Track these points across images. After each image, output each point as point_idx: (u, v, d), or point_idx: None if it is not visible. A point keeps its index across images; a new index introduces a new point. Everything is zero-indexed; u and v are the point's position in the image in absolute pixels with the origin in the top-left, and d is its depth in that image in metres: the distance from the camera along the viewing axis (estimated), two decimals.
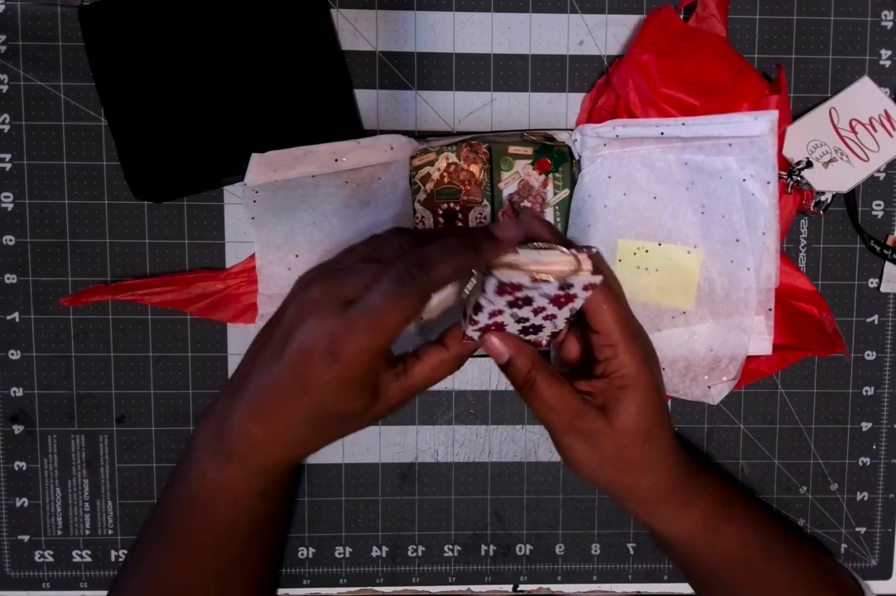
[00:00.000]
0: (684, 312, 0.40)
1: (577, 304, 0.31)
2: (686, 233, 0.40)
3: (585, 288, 0.29)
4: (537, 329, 0.33)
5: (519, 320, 0.31)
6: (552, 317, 0.31)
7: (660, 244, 0.40)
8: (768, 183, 0.37)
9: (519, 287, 0.28)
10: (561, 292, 0.29)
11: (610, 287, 0.33)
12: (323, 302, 0.30)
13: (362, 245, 0.34)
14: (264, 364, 0.32)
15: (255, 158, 0.38)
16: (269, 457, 0.33)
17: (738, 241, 0.38)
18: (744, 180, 0.38)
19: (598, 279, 0.29)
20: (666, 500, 0.37)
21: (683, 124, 0.38)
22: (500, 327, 0.32)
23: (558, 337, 0.35)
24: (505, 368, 0.34)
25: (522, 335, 0.33)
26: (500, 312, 0.30)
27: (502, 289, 0.28)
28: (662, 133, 0.38)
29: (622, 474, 0.36)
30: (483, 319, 0.31)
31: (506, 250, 0.29)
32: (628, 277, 0.40)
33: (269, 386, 0.31)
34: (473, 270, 0.30)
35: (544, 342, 0.34)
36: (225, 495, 0.34)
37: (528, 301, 0.29)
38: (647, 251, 0.40)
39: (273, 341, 0.32)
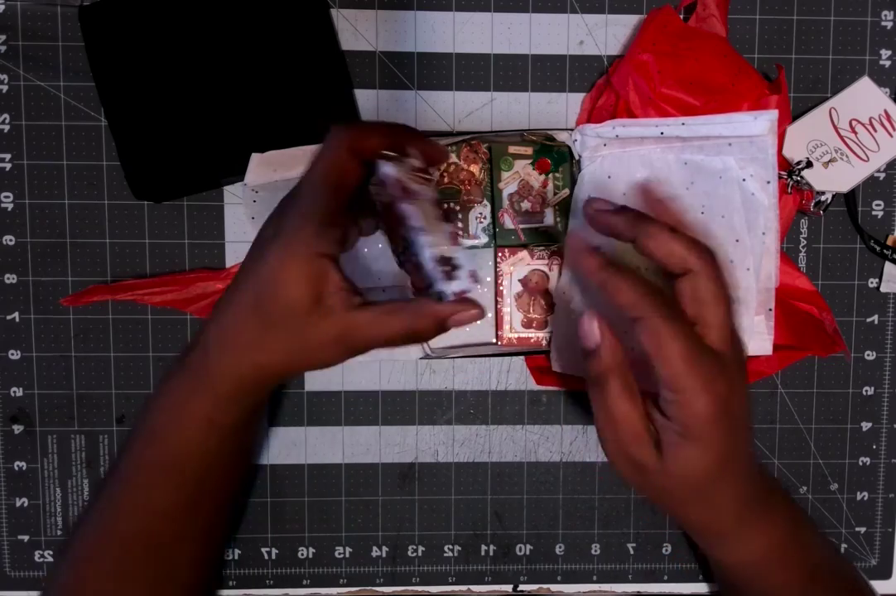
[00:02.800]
0: None
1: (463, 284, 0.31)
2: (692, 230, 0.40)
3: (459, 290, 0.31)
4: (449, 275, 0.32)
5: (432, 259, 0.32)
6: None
7: None
8: (768, 183, 0.37)
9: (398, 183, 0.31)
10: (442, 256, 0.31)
11: (673, 320, 0.30)
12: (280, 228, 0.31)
13: None
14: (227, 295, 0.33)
15: (255, 158, 0.38)
16: (220, 364, 0.32)
17: (737, 241, 0.38)
18: (744, 180, 0.38)
19: (464, 285, 0.31)
20: (721, 534, 0.35)
21: (683, 124, 0.38)
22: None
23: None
24: (586, 356, 0.33)
25: (442, 276, 0.32)
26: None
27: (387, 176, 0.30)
28: (662, 133, 0.38)
29: (670, 505, 0.35)
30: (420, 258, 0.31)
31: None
32: None
33: (227, 287, 0.33)
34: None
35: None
36: (176, 421, 0.33)
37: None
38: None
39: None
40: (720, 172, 0.38)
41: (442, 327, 0.31)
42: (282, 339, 0.31)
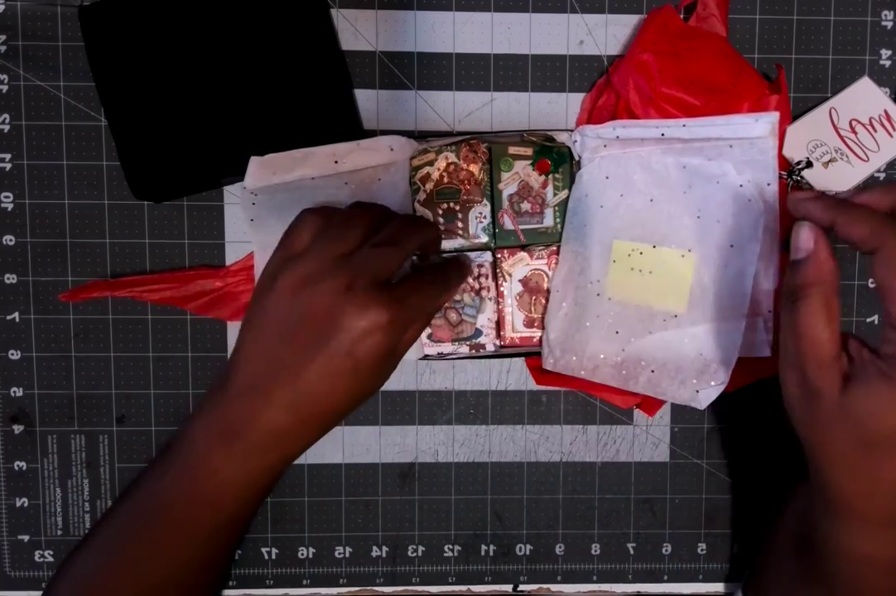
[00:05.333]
0: (676, 316, 0.40)
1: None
2: (681, 236, 0.40)
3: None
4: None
5: None
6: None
7: (654, 247, 0.40)
8: (768, 184, 0.37)
9: None
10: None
11: None
12: (360, 285, 0.31)
13: (330, 238, 0.33)
14: (296, 353, 0.31)
15: (255, 161, 0.38)
16: (292, 446, 0.33)
17: (732, 246, 0.38)
18: (741, 186, 0.38)
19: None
20: (865, 516, 0.31)
21: (684, 126, 0.38)
22: None
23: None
24: (792, 266, 0.31)
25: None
26: None
27: None
28: (663, 134, 0.38)
29: (824, 452, 0.31)
30: None
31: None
32: (621, 278, 0.40)
33: (309, 371, 0.31)
34: None
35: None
36: (237, 491, 0.33)
37: None
38: (641, 253, 0.40)
39: (297, 332, 0.31)
40: (717, 177, 0.38)
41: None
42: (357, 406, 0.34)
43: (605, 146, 0.40)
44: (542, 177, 0.41)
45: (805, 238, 0.31)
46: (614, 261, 0.41)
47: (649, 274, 0.40)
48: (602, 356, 0.41)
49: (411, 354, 0.42)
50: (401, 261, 0.33)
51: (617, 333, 0.40)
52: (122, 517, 0.35)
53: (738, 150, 0.38)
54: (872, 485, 0.31)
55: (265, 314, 0.32)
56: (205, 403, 0.34)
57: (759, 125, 0.37)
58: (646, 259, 0.40)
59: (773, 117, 0.37)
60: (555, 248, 0.42)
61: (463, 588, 0.44)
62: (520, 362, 0.43)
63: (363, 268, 0.31)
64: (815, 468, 0.33)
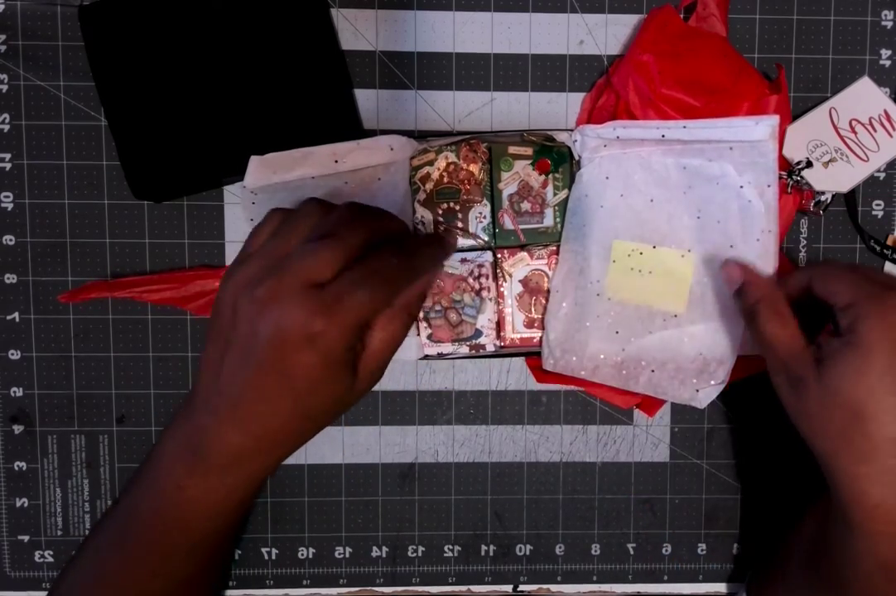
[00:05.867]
0: (675, 315, 0.40)
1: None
2: (681, 236, 0.40)
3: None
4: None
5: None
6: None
7: (654, 247, 0.40)
8: (769, 186, 0.37)
9: None
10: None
11: (838, 265, 0.35)
12: (286, 290, 0.28)
13: (276, 237, 0.31)
14: (234, 367, 0.29)
15: (255, 161, 0.38)
16: (255, 465, 0.32)
17: (731, 246, 0.38)
18: (741, 187, 0.38)
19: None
20: (888, 505, 0.31)
21: (685, 127, 0.38)
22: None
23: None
24: (736, 294, 0.36)
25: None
26: None
27: None
28: (664, 135, 0.38)
29: (825, 436, 0.32)
30: None
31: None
32: (621, 278, 0.40)
33: (246, 389, 0.29)
34: None
35: None
36: (205, 510, 0.33)
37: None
38: (641, 253, 0.40)
39: (235, 343, 0.29)
40: (717, 178, 0.38)
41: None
42: (325, 423, 0.32)
43: (605, 146, 0.40)
44: (542, 177, 0.41)
45: (732, 272, 0.37)
46: (614, 261, 0.41)
47: (649, 274, 0.40)
48: (602, 356, 0.41)
49: (411, 354, 0.42)
50: (340, 257, 0.28)
51: (617, 332, 0.40)
52: (105, 531, 0.35)
53: (738, 152, 0.38)
54: (874, 460, 0.31)
55: (212, 324, 0.31)
56: (175, 416, 0.33)
57: (759, 128, 0.37)
58: (645, 259, 0.40)
59: (773, 120, 0.37)
60: (555, 247, 0.42)
61: (463, 588, 0.44)
62: (520, 362, 0.43)
63: (292, 269, 0.28)
64: (824, 467, 0.33)
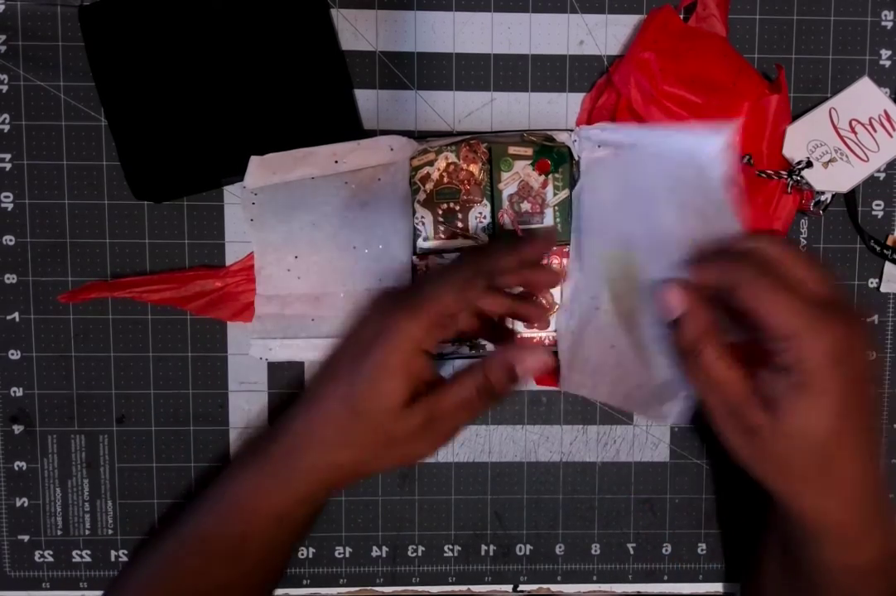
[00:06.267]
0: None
1: None
2: (673, 237, 0.39)
3: None
4: None
5: None
6: None
7: (637, 254, 0.39)
8: (723, 199, 0.36)
9: None
10: None
11: (770, 275, 0.30)
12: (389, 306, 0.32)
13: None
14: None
15: (255, 161, 0.38)
16: (302, 462, 0.33)
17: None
18: (701, 194, 0.37)
19: None
20: (841, 526, 0.32)
21: (651, 132, 0.38)
22: None
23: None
24: (672, 325, 0.32)
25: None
26: None
27: None
28: (631, 141, 0.38)
29: (786, 481, 0.32)
30: None
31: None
32: (614, 289, 0.40)
33: (318, 385, 0.33)
34: None
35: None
36: (247, 512, 0.34)
37: None
38: (630, 263, 0.39)
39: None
40: (698, 179, 0.37)
41: (513, 377, 0.32)
42: (369, 431, 0.32)
43: (598, 147, 0.40)
44: (542, 177, 0.41)
45: (677, 299, 0.32)
46: (609, 271, 0.40)
47: (637, 283, 0.39)
48: (601, 374, 0.40)
49: None
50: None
51: (612, 347, 0.40)
52: (173, 550, 0.36)
53: (695, 161, 0.36)
54: (836, 494, 0.31)
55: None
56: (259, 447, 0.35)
57: (712, 139, 0.35)
58: (634, 268, 0.39)
59: (724, 134, 0.35)
60: (554, 248, 0.42)
61: (463, 588, 0.44)
62: None
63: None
64: (781, 501, 0.33)
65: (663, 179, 0.38)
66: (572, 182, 0.41)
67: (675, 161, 0.37)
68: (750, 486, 0.44)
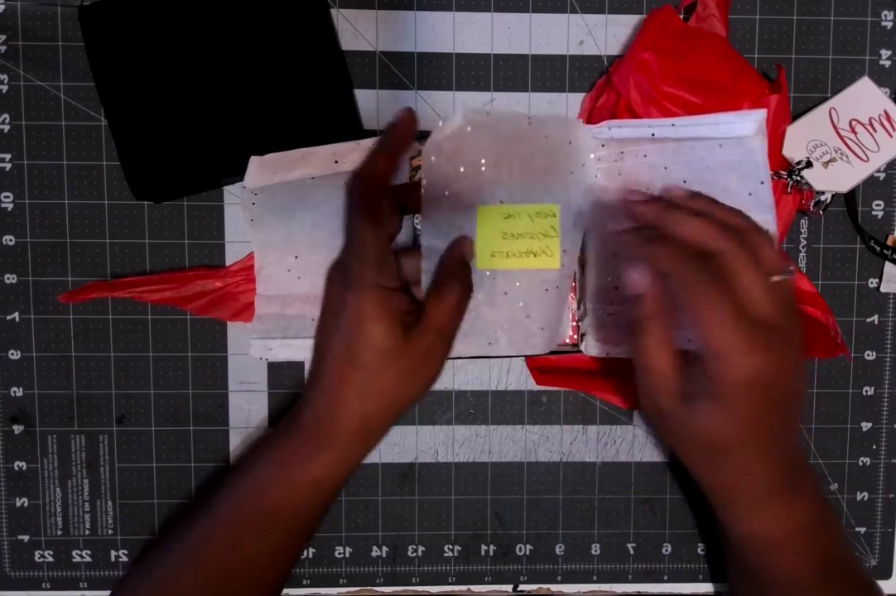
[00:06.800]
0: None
1: None
2: None
3: None
4: None
5: None
6: None
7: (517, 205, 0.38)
8: (762, 183, 0.37)
9: None
10: None
11: (716, 284, 0.31)
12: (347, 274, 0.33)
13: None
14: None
15: (255, 161, 0.38)
16: (331, 424, 0.34)
17: None
18: (734, 182, 0.37)
19: None
20: (737, 501, 0.35)
21: (673, 125, 0.38)
22: None
23: None
24: (631, 300, 0.34)
25: None
26: None
27: None
28: (654, 134, 0.38)
29: (689, 458, 0.35)
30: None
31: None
32: (493, 247, 0.38)
33: (315, 353, 0.35)
34: None
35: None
36: (283, 480, 0.35)
37: None
38: (507, 217, 0.38)
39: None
40: (712, 174, 0.38)
41: (468, 249, 0.36)
42: (383, 378, 0.33)
43: (602, 146, 0.40)
44: None
45: (640, 276, 0.34)
46: (481, 229, 0.38)
47: (519, 237, 0.39)
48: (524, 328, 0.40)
49: None
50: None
51: (521, 304, 0.39)
52: (202, 524, 0.36)
53: (727, 149, 0.37)
54: (726, 481, 0.35)
55: (325, 325, 0.35)
56: (295, 412, 0.36)
57: (745, 124, 0.36)
58: (513, 222, 0.39)
59: (759, 115, 0.36)
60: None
61: (463, 588, 0.44)
62: (520, 362, 0.43)
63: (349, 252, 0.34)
64: (693, 474, 0.36)
65: (689, 170, 0.38)
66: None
67: (704, 148, 0.38)
68: None
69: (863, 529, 0.45)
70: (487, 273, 0.38)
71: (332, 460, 0.35)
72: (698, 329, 0.31)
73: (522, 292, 0.38)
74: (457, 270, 0.34)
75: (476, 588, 0.44)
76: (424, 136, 0.41)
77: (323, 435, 0.34)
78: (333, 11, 0.41)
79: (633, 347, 0.34)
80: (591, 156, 0.40)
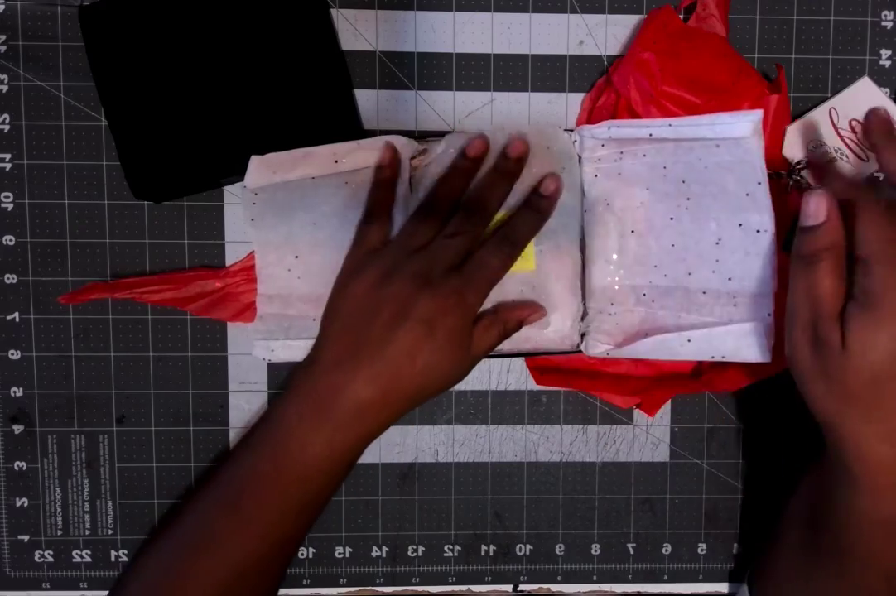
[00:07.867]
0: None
1: None
2: (676, 231, 0.39)
3: None
4: None
5: None
6: None
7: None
8: (759, 183, 0.37)
9: None
10: None
11: (861, 189, 0.33)
12: (430, 274, 0.35)
13: (407, 234, 0.38)
14: (382, 335, 0.35)
15: (255, 161, 0.38)
16: (379, 418, 0.36)
17: (717, 242, 0.38)
18: (731, 182, 0.37)
19: None
20: (886, 465, 0.32)
21: (670, 125, 0.38)
22: None
23: None
24: (805, 231, 0.33)
25: None
26: None
27: None
28: (651, 134, 0.38)
29: (840, 403, 0.33)
30: None
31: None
32: None
33: (394, 352, 0.35)
34: None
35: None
36: (326, 467, 0.36)
37: None
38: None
39: (383, 316, 0.35)
40: (710, 174, 0.38)
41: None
42: (436, 391, 0.38)
43: (602, 146, 0.40)
44: None
45: (819, 206, 0.33)
46: None
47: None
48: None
49: None
50: (468, 246, 0.37)
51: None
52: (211, 496, 0.37)
53: (724, 149, 0.37)
54: (881, 422, 0.32)
55: (350, 301, 0.36)
56: (293, 383, 0.37)
57: (741, 125, 0.36)
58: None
59: (755, 116, 0.36)
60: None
61: (463, 588, 0.44)
62: (520, 362, 0.43)
63: (436, 259, 0.36)
64: (826, 425, 0.34)
65: (688, 170, 0.38)
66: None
67: (702, 149, 0.38)
68: (751, 484, 0.44)
69: None
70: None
71: (364, 446, 0.37)
72: (856, 235, 0.32)
73: (497, 294, 0.39)
74: (516, 313, 0.39)
75: (476, 588, 0.44)
76: (426, 135, 0.41)
77: (365, 431, 0.36)
78: (333, 11, 0.41)
79: (799, 278, 0.33)
80: (579, 158, 0.40)
